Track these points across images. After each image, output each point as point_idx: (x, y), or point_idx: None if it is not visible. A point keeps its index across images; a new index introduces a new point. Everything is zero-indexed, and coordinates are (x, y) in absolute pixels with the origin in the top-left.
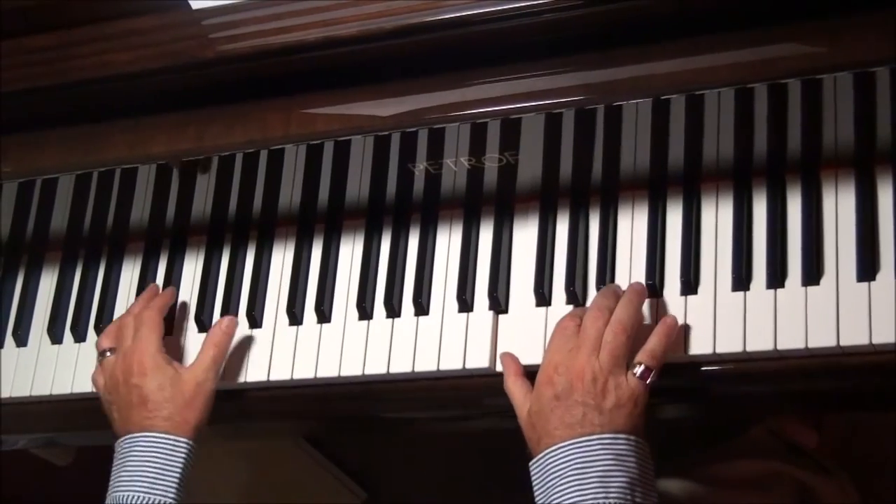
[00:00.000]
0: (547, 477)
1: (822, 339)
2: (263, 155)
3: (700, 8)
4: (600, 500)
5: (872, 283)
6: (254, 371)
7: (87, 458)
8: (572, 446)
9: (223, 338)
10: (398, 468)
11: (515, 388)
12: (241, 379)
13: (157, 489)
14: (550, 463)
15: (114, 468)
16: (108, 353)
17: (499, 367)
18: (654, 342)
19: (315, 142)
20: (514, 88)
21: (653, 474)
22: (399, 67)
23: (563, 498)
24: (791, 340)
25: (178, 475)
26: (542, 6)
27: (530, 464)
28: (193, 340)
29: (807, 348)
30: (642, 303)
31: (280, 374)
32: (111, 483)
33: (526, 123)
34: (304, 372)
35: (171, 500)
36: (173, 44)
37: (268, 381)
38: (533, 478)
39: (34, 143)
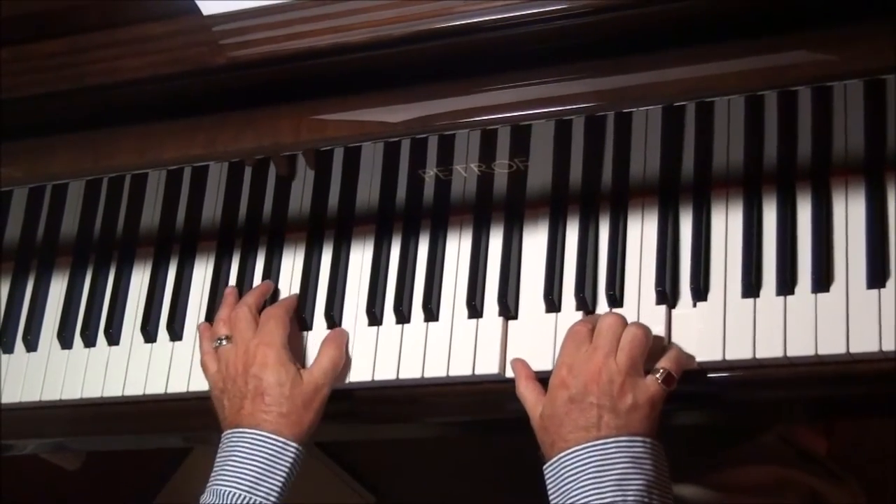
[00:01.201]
0: (563, 480)
1: (831, 345)
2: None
3: (710, 15)
4: (619, 502)
5: (882, 290)
6: None
7: (96, 463)
8: (588, 449)
9: (340, 342)
10: (406, 472)
11: (528, 392)
12: None
13: (259, 490)
14: (566, 466)
15: (218, 460)
16: (225, 342)
17: (509, 373)
18: (677, 349)
19: (326, 148)
20: (525, 95)
21: (668, 477)
22: (409, 74)
23: (580, 501)
24: (801, 347)
25: (282, 478)
26: (552, 13)
27: (544, 467)
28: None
29: (816, 355)
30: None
31: None
32: (213, 474)
33: (536, 130)
34: None
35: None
36: (184, 50)
37: None
38: (548, 481)
39: (45, 148)
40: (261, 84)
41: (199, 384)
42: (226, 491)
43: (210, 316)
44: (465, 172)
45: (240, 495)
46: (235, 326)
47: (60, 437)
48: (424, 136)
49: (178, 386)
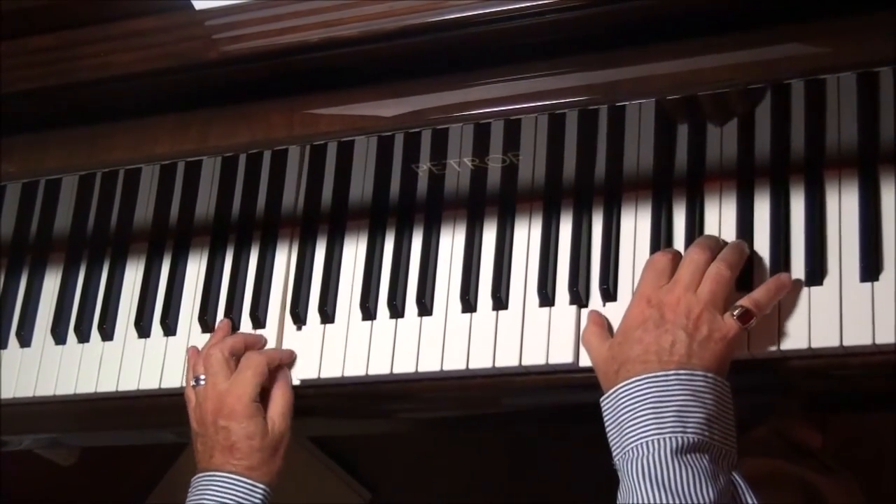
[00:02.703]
0: (620, 411)
1: (825, 339)
2: (267, 155)
3: (703, 9)
4: (678, 434)
5: (875, 283)
6: None
7: (91, 458)
8: (648, 380)
9: (287, 381)
10: (403, 469)
11: (592, 336)
12: None
13: None
14: (624, 397)
15: (189, 501)
16: (202, 381)
17: (499, 364)
18: (761, 292)
19: (318, 142)
20: (518, 89)
21: (733, 416)
22: (402, 68)
23: (639, 432)
24: (794, 340)
25: None
26: (544, 6)
27: (601, 400)
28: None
29: (810, 348)
30: (747, 254)
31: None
32: None
33: (529, 124)
34: (308, 372)
35: None
36: (176, 44)
37: None
38: (604, 412)
39: (37, 143)
40: (253, 79)
41: None
42: None
43: (203, 311)
44: (459, 167)
45: None
46: (208, 370)
47: (55, 433)
48: (417, 130)
49: (172, 381)
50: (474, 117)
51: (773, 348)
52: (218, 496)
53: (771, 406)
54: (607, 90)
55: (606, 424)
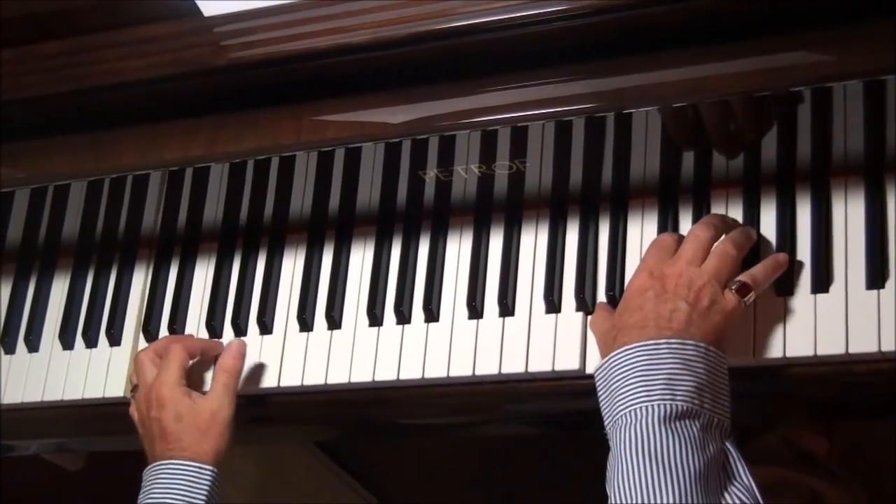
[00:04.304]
0: (611, 379)
1: (830, 346)
2: (274, 161)
3: (710, 16)
4: (667, 401)
5: (881, 290)
6: (264, 377)
7: (97, 463)
8: (639, 348)
9: (234, 363)
10: (408, 474)
11: (598, 318)
12: (251, 385)
13: None
14: (616, 365)
15: (140, 496)
16: (138, 389)
17: (506, 370)
18: (758, 269)
19: (326, 148)
20: (525, 96)
21: (727, 387)
22: (410, 75)
23: (627, 400)
24: (800, 348)
25: (203, 502)
26: (552, 14)
27: (595, 372)
28: None
29: (816, 355)
30: (754, 240)
31: (290, 380)
32: None
33: (536, 130)
34: (314, 378)
35: None
36: (185, 51)
37: (278, 387)
38: (597, 383)
39: (46, 149)
40: (262, 85)
41: None
42: None
43: (211, 317)
44: (466, 173)
45: None
46: (138, 374)
47: (62, 438)
48: (425, 137)
49: None
50: (482, 124)
51: (779, 355)
52: (166, 483)
53: (776, 413)
54: (614, 97)
55: (599, 395)
